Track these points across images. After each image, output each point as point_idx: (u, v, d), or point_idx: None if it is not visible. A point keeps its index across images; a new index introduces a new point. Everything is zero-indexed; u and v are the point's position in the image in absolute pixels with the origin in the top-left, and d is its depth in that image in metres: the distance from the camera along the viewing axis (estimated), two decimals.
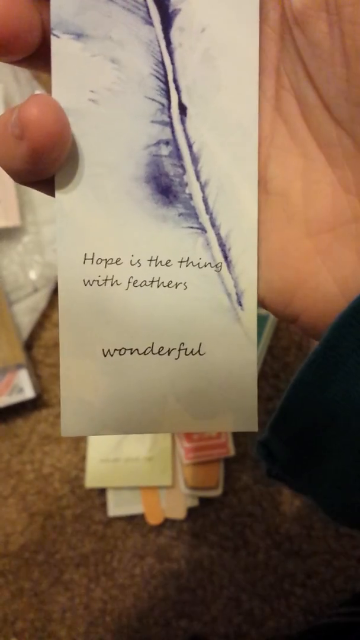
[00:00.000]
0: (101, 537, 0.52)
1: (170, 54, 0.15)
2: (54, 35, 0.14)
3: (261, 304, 0.17)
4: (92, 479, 0.51)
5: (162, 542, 0.52)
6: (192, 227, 0.16)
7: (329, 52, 0.14)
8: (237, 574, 0.52)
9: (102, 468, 0.51)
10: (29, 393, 0.51)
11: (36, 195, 0.53)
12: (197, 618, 0.51)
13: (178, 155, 0.15)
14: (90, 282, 0.16)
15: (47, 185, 0.15)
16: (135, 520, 0.52)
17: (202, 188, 0.16)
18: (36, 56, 0.15)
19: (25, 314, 0.54)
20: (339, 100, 0.14)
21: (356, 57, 0.13)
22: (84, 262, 0.15)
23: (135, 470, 0.50)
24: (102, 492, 0.52)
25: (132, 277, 0.16)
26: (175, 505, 0.51)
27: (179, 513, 0.51)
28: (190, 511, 0.52)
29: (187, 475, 0.50)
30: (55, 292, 0.55)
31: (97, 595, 0.52)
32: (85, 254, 0.15)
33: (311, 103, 0.15)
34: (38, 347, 0.55)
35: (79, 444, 0.53)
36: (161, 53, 0.15)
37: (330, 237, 0.15)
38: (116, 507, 0.51)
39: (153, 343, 0.16)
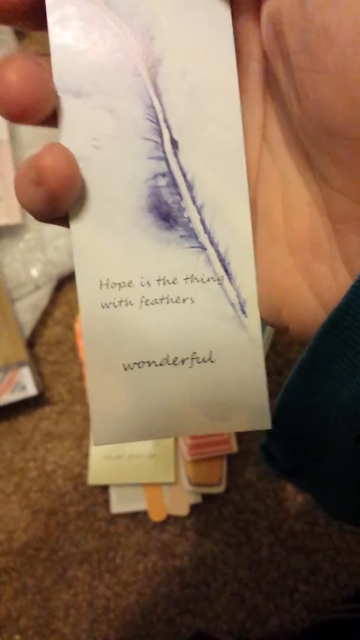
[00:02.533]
0: (104, 534, 0.52)
1: (159, 97, 0.17)
2: (58, 96, 0.16)
3: None
4: (95, 476, 0.51)
5: (165, 539, 0.52)
6: (193, 247, 0.17)
7: (287, 93, 0.15)
8: (240, 570, 0.51)
9: (105, 465, 0.51)
10: (31, 390, 0.51)
11: None
12: (200, 614, 0.51)
13: (174, 185, 0.17)
14: (107, 305, 0.17)
15: (63, 221, 0.17)
16: (138, 517, 0.52)
17: (199, 211, 0.17)
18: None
19: (27, 312, 0.54)
20: (302, 134, 0.15)
21: (306, 100, 0.14)
22: (100, 288, 0.17)
23: (138, 467, 0.50)
24: (105, 489, 0.52)
25: (143, 297, 0.17)
26: (178, 502, 0.51)
27: (182, 510, 0.51)
28: (193, 508, 0.52)
29: (190, 472, 0.50)
30: (56, 289, 0.55)
31: (100, 592, 0.52)
32: (101, 280, 0.17)
33: (288, 131, 0.16)
34: (40, 344, 0.55)
35: (81, 441, 0.54)
36: (150, 98, 0.17)
37: (309, 255, 0.17)
38: (119, 504, 0.51)
39: (168, 355, 0.17)
